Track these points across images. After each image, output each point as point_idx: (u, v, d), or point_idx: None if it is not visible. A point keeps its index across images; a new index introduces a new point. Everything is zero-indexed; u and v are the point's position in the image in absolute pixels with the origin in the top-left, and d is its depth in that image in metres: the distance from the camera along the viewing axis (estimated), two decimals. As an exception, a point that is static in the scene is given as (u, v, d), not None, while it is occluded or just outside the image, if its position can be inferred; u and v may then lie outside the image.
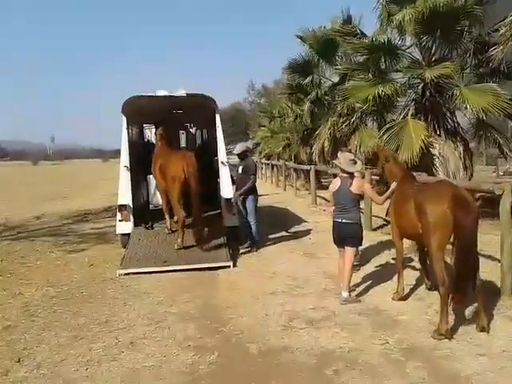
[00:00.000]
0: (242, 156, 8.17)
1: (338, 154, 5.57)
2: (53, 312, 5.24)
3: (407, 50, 10.06)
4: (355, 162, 5.36)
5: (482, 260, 6.48)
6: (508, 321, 4.57)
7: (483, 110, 8.30)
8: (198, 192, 7.29)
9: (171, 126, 9.47)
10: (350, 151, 6.01)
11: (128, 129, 8.70)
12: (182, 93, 8.30)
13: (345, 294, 5.18)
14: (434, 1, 8.42)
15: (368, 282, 5.92)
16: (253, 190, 8.03)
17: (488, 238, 7.77)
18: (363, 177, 8.70)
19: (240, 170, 8.08)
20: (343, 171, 5.32)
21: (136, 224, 8.15)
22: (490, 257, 6.49)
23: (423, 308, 4.95)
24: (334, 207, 5.42)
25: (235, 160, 8.86)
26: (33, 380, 3.73)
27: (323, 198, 13.99)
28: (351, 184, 5.20)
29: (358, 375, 3.60)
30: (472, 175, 10.07)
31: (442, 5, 8.30)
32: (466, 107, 8.65)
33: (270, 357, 3.99)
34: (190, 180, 7.24)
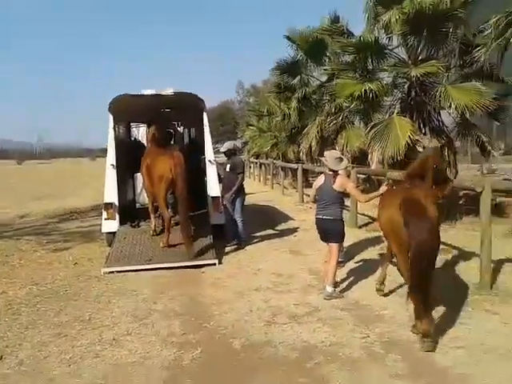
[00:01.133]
0: (229, 154, 8.20)
1: (325, 153, 5.63)
2: (36, 310, 5.21)
3: (394, 50, 10.17)
4: (341, 160, 5.43)
5: (465, 256, 6.67)
6: (486, 315, 4.66)
7: (467, 108, 8.44)
8: (184, 192, 7.22)
9: (159, 124, 9.46)
10: (335, 149, 6.08)
11: (115, 127, 8.68)
12: (169, 91, 8.30)
13: (329, 289, 5.24)
14: (419, 2, 8.52)
15: (351, 278, 5.99)
16: (240, 189, 8.06)
17: (471, 235, 7.94)
18: (348, 175, 8.81)
19: (228, 169, 8.10)
20: (329, 169, 5.39)
21: (122, 222, 8.13)
22: (473, 253, 6.61)
23: (404, 304, 5.01)
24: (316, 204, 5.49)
25: (223, 159, 8.88)
26: (14, 377, 3.73)
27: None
28: (334, 181, 5.26)
29: (338, 368, 3.66)
30: (457, 173, 10.24)
31: (427, 6, 8.40)
32: (450, 105, 8.77)
33: (253, 351, 4.03)
34: (177, 180, 7.18)
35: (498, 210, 10.57)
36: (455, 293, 5.31)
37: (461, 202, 11.11)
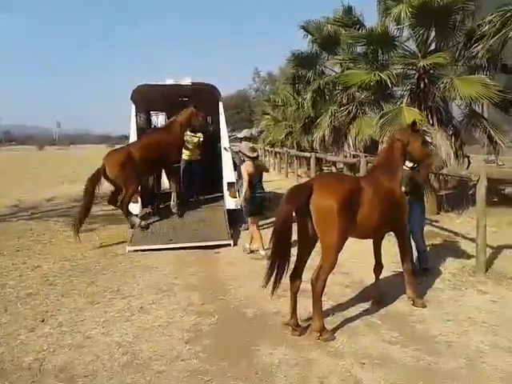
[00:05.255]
0: (245, 141, 8.71)
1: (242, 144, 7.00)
2: (70, 282, 5.82)
3: (405, 43, 10.44)
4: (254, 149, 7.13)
5: (466, 243, 7.02)
6: (477, 294, 5.10)
7: (471, 99, 8.72)
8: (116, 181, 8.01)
9: (177, 112, 9.96)
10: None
11: (136, 115, 9.22)
12: (187, 81, 8.80)
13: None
14: None
15: (356, 260, 6.44)
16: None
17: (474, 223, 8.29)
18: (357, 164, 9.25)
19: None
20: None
21: (144, 206, 8.69)
22: (472, 239, 6.98)
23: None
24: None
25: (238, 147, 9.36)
26: (56, 335, 4.30)
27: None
28: None
29: (338, 334, 4.15)
30: (469, 163, 10.56)
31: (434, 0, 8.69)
32: (456, 95, 9.05)
33: (264, 319, 4.55)
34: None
35: (508, 200, 10.87)
36: (453, 275, 5.73)
37: (471, 191, 11.42)
